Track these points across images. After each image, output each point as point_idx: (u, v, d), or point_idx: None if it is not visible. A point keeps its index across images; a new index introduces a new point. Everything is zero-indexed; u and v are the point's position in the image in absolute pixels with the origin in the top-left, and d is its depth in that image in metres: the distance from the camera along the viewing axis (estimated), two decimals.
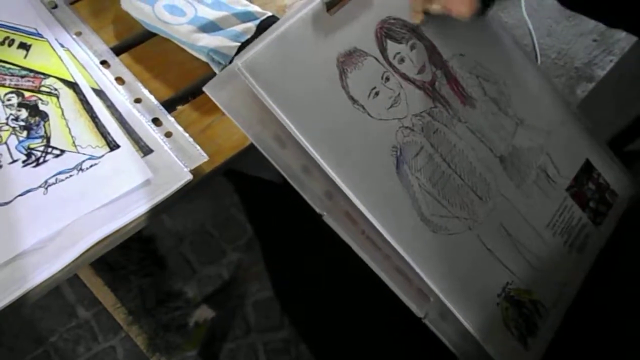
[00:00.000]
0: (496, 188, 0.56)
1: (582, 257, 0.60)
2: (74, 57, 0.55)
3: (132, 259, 1.09)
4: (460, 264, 0.51)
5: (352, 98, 0.48)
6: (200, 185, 0.52)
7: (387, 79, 0.51)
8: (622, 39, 1.56)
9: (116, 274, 1.05)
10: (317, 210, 0.47)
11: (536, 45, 1.30)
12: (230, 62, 0.53)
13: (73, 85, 0.53)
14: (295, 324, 0.89)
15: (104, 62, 0.56)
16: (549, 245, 0.58)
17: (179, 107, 0.57)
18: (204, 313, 1.14)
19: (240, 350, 1.21)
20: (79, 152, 0.50)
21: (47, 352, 1.15)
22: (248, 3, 0.59)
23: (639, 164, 0.82)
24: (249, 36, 0.55)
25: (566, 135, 0.64)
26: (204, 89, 0.44)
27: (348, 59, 0.48)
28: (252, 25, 0.56)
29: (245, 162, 0.54)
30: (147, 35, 0.60)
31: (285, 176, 0.46)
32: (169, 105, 0.57)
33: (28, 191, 0.47)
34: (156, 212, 0.50)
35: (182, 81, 0.58)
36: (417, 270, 0.48)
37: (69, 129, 0.51)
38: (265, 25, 0.56)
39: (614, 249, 0.62)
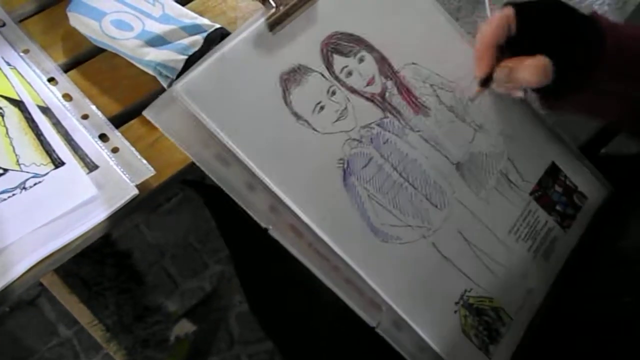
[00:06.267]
0: (452, 195, 0.55)
1: (549, 262, 0.59)
2: (21, 75, 0.55)
3: (107, 274, 1.09)
4: (414, 272, 0.51)
5: (296, 114, 0.48)
6: (147, 200, 0.51)
7: (333, 92, 0.51)
8: None
9: (91, 291, 1.05)
10: (262, 225, 0.47)
11: None
12: (177, 77, 0.53)
13: (18, 104, 0.53)
14: (274, 335, 0.88)
15: (51, 79, 0.56)
16: (512, 251, 0.57)
17: (128, 122, 0.57)
18: (184, 327, 1.14)
19: None
20: (22, 171, 0.50)
21: None
22: (197, 16, 0.59)
23: (614, 166, 0.81)
24: (196, 49, 0.55)
25: (530, 138, 0.63)
26: (144, 113, 0.44)
27: (291, 77, 0.48)
28: (199, 38, 0.56)
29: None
30: (97, 52, 0.60)
31: (229, 193, 0.46)
32: (118, 121, 0.56)
33: None
34: (103, 228, 0.50)
35: (130, 96, 0.58)
36: (367, 279, 0.48)
37: (13, 148, 0.51)
38: (212, 37, 0.56)
39: (582, 254, 0.61)
